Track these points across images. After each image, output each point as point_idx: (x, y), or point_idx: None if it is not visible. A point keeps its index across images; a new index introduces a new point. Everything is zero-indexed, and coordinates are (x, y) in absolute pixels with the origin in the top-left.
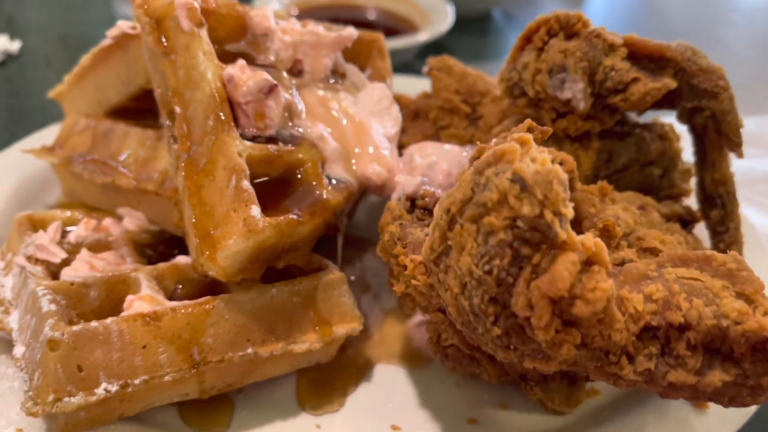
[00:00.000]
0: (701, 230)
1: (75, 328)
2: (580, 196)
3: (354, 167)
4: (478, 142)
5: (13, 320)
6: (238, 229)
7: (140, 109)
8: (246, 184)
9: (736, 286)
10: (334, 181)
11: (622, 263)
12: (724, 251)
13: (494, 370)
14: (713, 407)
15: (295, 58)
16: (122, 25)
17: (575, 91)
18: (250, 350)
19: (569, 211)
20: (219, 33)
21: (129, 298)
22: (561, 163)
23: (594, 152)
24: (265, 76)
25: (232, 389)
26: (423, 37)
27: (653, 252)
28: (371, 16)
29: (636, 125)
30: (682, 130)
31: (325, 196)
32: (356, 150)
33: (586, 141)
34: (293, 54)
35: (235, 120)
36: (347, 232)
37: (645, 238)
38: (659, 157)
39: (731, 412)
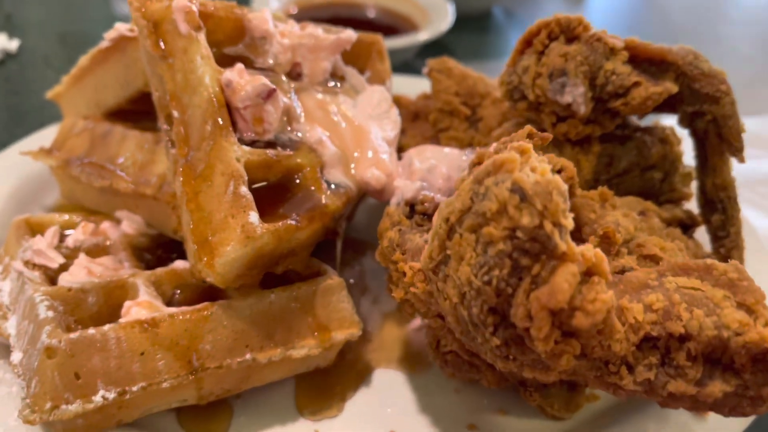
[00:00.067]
0: (702, 234)
1: (72, 335)
2: (580, 201)
3: (353, 171)
4: (477, 148)
5: (10, 326)
6: (236, 235)
7: (139, 111)
8: (244, 189)
9: (737, 296)
10: (332, 186)
11: (622, 271)
12: (725, 256)
13: (494, 376)
14: (713, 414)
15: (293, 61)
16: (120, 28)
17: (576, 95)
18: (248, 356)
19: (569, 222)
20: (217, 36)
21: (127, 304)
22: (561, 170)
23: (594, 156)
24: (263, 80)
25: (231, 395)
26: (423, 36)
27: (654, 259)
28: (371, 14)
29: (637, 129)
30: (683, 134)
31: (323, 201)
32: (355, 154)
33: (586, 145)
34: (292, 57)
35: (234, 125)
36: (346, 235)
37: (645, 244)
38: (660, 161)
39: (731, 419)
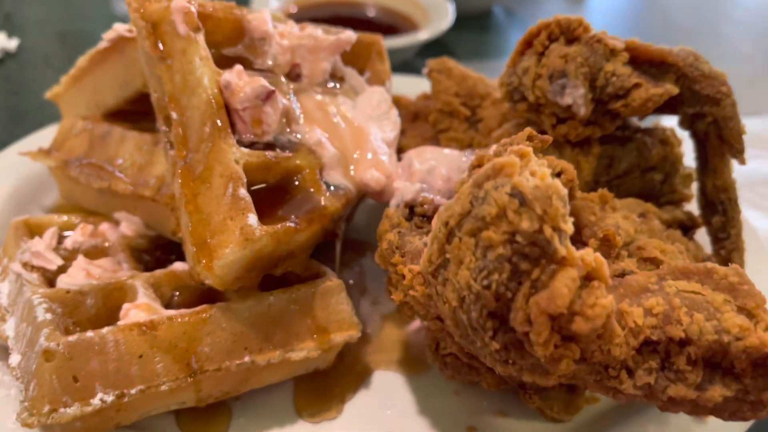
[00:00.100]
0: (702, 235)
1: (70, 338)
2: (580, 204)
3: (352, 173)
4: (477, 149)
5: (9, 328)
6: (235, 237)
7: (138, 112)
8: (243, 191)
9: (738, 300)
10: (332, 188)
11: (622, 274)
12: (725, 258)
13: (493, 378)
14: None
15: (293, 62)
16: (119, 28)
17: (576, 97)
18: (247, 359)
19: (569, 227)
20: (216, 37)
21: (125, 306)
22: (561, 173)
23: (595, 158)
24: (262, 82)
25: (230, 397)
26: (423, 35)
27: (654, 262)
28: (371, 13)
29: (637, 130)
30: (684, 135)
31: (323, 203)
32: (355, 155)
33: (586, 146)
34: (291, 58)
35: (232, 126)
36: (346, 236)
37: (646, 247)
38: (660, 162)
39: (731, 423)
